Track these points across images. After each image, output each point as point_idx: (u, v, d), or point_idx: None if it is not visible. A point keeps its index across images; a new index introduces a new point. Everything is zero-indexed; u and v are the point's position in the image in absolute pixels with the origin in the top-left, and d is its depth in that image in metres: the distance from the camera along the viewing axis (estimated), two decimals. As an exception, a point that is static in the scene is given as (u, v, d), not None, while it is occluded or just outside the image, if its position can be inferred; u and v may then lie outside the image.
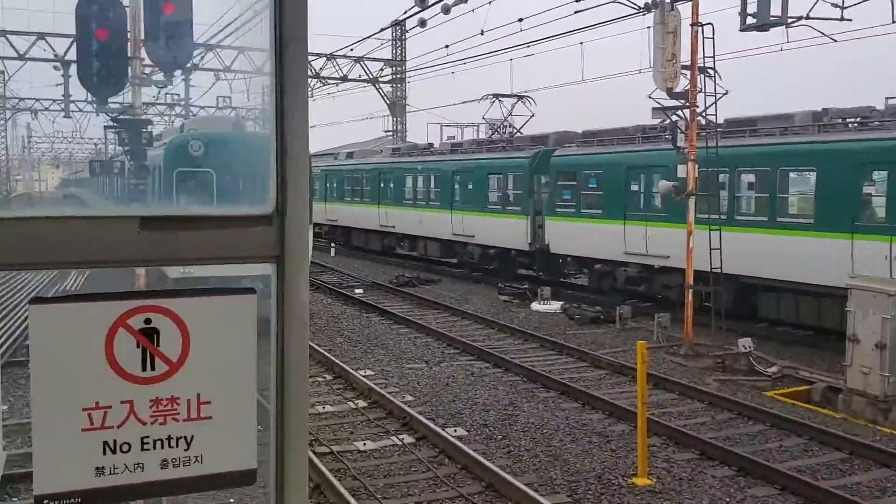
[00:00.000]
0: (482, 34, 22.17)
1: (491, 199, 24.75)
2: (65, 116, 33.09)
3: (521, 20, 20.56)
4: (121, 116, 10.66)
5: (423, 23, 23.67)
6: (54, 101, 35.60)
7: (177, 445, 1.87)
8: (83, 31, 9.99)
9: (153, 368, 1.89)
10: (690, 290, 15.04)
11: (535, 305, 20.24)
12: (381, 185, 31.24)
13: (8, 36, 36.40)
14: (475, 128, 65.38)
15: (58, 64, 29.99)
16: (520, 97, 27.63)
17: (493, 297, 21.64)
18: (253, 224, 2.03)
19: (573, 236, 21.09)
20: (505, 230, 23.64)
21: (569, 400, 11.75)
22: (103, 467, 1.70)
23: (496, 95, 28.15)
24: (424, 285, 24.25)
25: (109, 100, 10.51)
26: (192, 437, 1.93)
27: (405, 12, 23.48)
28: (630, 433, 9.97)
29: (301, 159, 2.04)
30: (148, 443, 1.86)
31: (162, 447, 1.77)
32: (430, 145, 31.89)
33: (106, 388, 1.86)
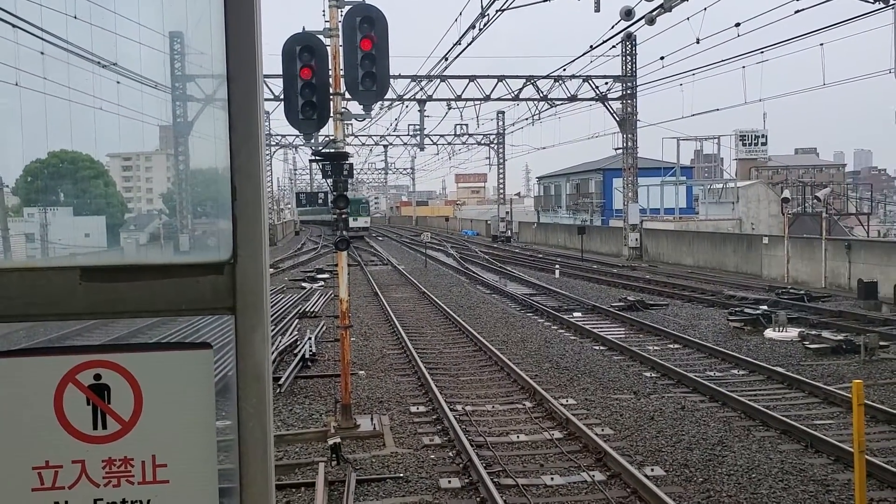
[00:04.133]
0: (698, 42, 20.95)
1: None
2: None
3: (737, 25, 19.18)
4: (323, 150, 11.20)
5: (651, 21, 22.56)
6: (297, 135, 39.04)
7: (132, 510, 1.79)
8: (288, 70, 10.65)
9: (104, 427, 1.82)
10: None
11: (768, 332, 18.69)
12: None
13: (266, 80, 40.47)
14: (715, 141, 62.23)
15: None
16: None
17: (723, 323, 20.21)
18: (203, 273, 1.88)
19: None
20: None
21: (789, 441, 10.53)
22: None
23: None
24: (649, 309, 23.21)
25: (314, 134, 11.15)
26: (149, 501, 1.83)
27: (611, 27, 22.79)
28: (858, 484, 8.70)
29: (254, 201, 1.88)
30: (101, 506, 1.79)
31: None
32: None
33: (56, 447, 1.81)
